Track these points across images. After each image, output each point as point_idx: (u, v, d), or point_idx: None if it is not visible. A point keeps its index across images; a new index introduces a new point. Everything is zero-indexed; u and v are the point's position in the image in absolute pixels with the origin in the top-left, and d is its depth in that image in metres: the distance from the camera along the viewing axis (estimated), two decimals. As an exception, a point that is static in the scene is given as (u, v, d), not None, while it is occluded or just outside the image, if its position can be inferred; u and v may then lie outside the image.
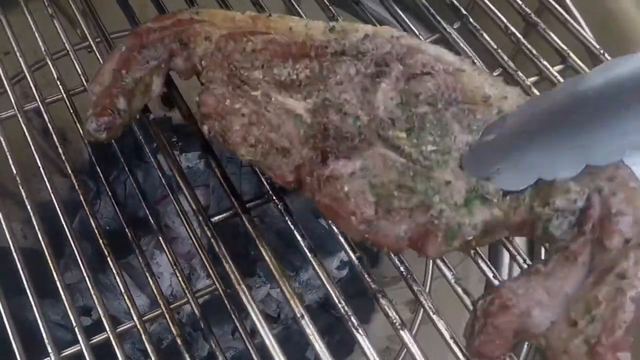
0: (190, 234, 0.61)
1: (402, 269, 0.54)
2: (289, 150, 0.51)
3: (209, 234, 0.58)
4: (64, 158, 0.69)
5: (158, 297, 0.61)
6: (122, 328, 0.61)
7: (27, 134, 0.70)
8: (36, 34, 0.76)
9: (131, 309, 0.61)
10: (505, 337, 0.43)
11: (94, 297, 0.62)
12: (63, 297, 0.62)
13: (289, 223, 0.57)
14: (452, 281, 0.52)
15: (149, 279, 0.63)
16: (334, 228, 0.55)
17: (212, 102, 0.56)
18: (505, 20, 0.69)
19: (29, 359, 0.59)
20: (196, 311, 0.61)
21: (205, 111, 0.56)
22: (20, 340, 0.60)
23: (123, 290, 0.62)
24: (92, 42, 0.75)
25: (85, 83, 0.72)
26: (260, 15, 0.60)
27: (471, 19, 0.70)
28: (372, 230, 0.48)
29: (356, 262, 0.54)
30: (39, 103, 0.72)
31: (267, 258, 0.56)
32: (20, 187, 0.67)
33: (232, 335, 1.00)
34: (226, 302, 0.59)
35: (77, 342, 0.60)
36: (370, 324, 1.02)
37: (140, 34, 0.61)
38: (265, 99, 0.54)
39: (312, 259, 0.55)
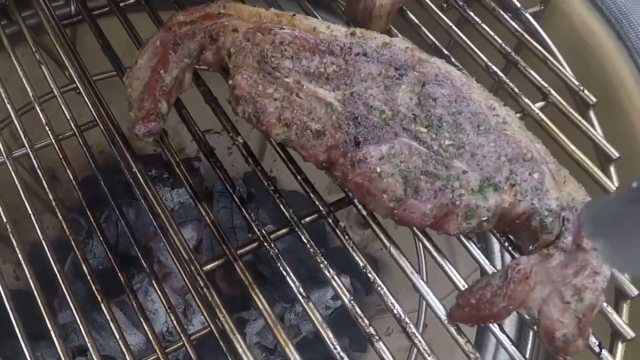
0: (183, 275, 0.62)
1: (395, 311, 0.56)
2: (322, 133, 0.59)
3: (201, 283, 0.59)
4: (54, 204, 0.70)
5: (153, 342, 0.62)
6: None
7: (16, 181, 0.71)
8: (23, 80, 0.77)
9: (126, 355, 0.62)
10: (513, 304, 0.53)
11: (88, 342, 0.62)
12: (56, 342, 0.62)
13: (281, 269, 0.58)
14: (445, 321, 0.56)
15: (144, 323, 0.64)
16: (322, 263, 0.58)
17: (245, 85, 0.62)
18: (485, 59, 0.74)
19: None
20: (192, 356, 0.62)
21: (239, 93, 0.62)
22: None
23: (118, 337, 0.62)
24: (78, 84, 0.76)
25: (73, 127, 0.74)
26: (284, 13, 0.68)
27: (453, 59, 0.72)
28: (400, 207, 0.56)
29: (349, 305, 0.56)
30: (28, 149, 0.74)
31: (261, 308, 0.57)
32: (11, 235, 0.68)
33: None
34: (222, 344, 0.60)
35: None
36: (367, 353, 1.06)
37: (172, 28, 0.66)
38: (297, 86, 0.61)
39: (305, 305, 0.57)
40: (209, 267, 0.60)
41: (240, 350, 0.55)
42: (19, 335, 0.63)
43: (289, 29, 0.66)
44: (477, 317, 0.53)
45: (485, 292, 0.52)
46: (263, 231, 0.60)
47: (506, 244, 0.60)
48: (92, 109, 0.76)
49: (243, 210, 0.61)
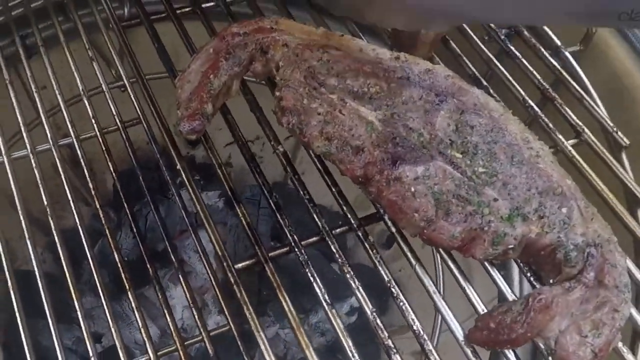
0: (209, 272, 0.66)
1: (414, 327, 0.59)
2: (362, 149, 0.62)
3: (232, 280, 0.63)
4: (93, 193, 0.75)
5: (174, 333, 0.66)
6: None
7: (60, 168, 0.77)
8: (75, 73, 0.83)
9: (147, 342, 0.65)
10: (531, 332, 0.55)
11: (112, 327, 0.66)
12: (82, 324, 0.66)
13: (309, 275, 0.61)
14: (462, 342, 0.58)
15: (167, 315, 0.67)
16: (349, 273, 0.61)
17: (291, 98, 0.66)
18: (522, 93, 0.77)
19: None
20: (210, 350, 0.65)
21: (285, 105, 0.66)
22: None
23: (141, 325, 0.66)
24: (126, 82, 0.83)
25: (118, 123, 0.79)
26: (333, 33, 0.72)
27: (491, 90, 0.76)
28: (430, 227, 0.59)
29: (371, 317, 0.59)
30: (74, 139, 0.79)
31: (287, 310, 0.60)
32: (49, 217, 0.73)
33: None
34: (239, 343, 0.63)
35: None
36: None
37: (225, 38, 0.70)
38: (341, 103, 0.65)
39: (329, 311, 0.60)
40: (240, 265, 0.64)
41: (262, 347, 0.58)
42: (48, 317, 0.66)
43: (337, 48, 0.70)
44: (494, 341, 0.55)
45: (505, 318, 0.55)
46: (295, 237, 0.63)
47: (528, 274, 0.63)
48: (137, 107, 0.81)
49: (278, 215, 0.65)
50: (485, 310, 0.59)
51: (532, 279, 0.62)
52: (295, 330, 0.58)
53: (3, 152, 0.78)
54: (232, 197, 0.67)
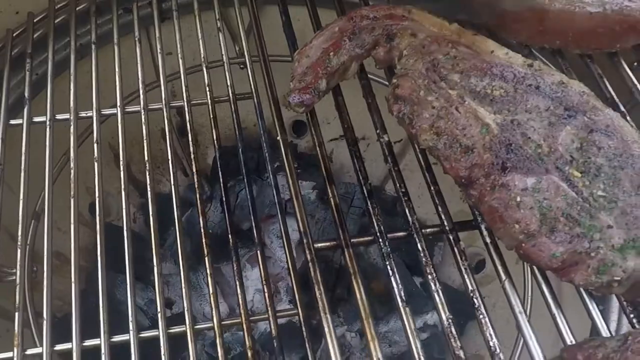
0: (288, 255, 0.68)
1: (491, 344, 0.57)
2: (471, 149, 0.62)
3: (309, 257, 0.64)
4: (192, 157, 0.80)
5: (241, 306, 0.69)
6: (199, 326, 0.70)
7: (167, 128, 0.82)
8: (200, 41, 0.90)
9: (213, 310, 0.69)
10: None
11: (184, 290, 0.70)
12: (157, 284, 0.71)
13: (388, 268, 0.62)
14: None
15: (238, 287, 0.71)
16: (431, 274, 0.60)
17: (408, 87, 0.67)
18: None
19: (111, 332, 0.68)
20: (273, 330, 0.68)
21: (400, 93, 0.67)
22: (107, 314, 0.69)
23: (212, 291, 0.70)
24: (247, 60, 0.88)
25: (230, 94, 0.84)
26: (466, 30, 0.72)
27: (628, 117, 0.73)
28: (529, 242, 0.57)
29: (446, 323, 0.59)
30: (185, 103, 0.85)
31: (358, 295, 0.61)
32: (147, 175, 0.78)
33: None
34: (303, 329, 0.65)
35: (156, 327, 0.68)
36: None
37: (354, 19, 0.73)
38: (459, 100, 0.65)
39: (402, 309, 0.59)
40: (320, 245, 0.65)
41: (327, 329, 0.59)
42: (127, 274, 0.71)
43: (467, 46, 0.70)
44: (579, 376, 0.52)
45: (597, 352, 0.52)
46: (382, 227, 0.63)
47: (631, 316, 0.59)
48: (251, 82, 0.85)
49: (369, 203, 0.65)
50: (574, 342, 0.56)
51: (634, 320, 0.58)
52: (364, 321, 0.58)
53: (118, 104, 0.84)
54: (327, 178, 0.68)
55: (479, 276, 1.10)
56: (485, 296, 1.05)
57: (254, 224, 0.77)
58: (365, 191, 0.66)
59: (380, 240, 0.63)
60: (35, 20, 0.95)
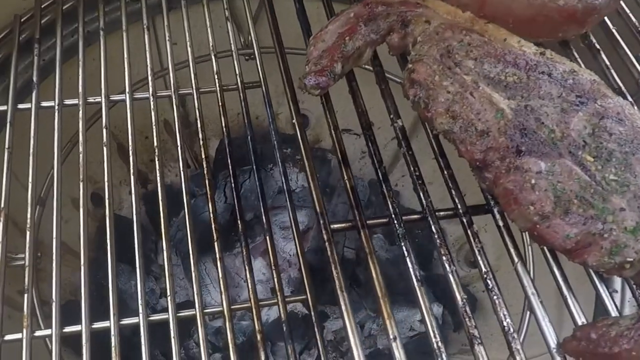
0: (296, 240, 0.70)
1: (505, 323, 0.59)
2: (486, 133, 0.63)
3: (325, 237, 0.65)
4: (201, 143, 0.81)
5: (250, 291, 0.71)
6: (209, 310, 0.71)
7: (175, 114, 0.84)
8: (208, 30, 0.91)
9: (223, 294, 0.70)
10: (637, 351, 0.53)
11: (193, 274, 0.72)
12: (166, 267, 0.73)
13: (403, 248, 0.62)
14: (554, 350, 0.58)
15: (247, 273, 0.72)
16: (446, 255, 0.61)
17: (423, 72, 0.68)
18: None
19: (121, 315, 0.70)
20: (282, 314, 0.70)
21: (415, 77, 0.68)
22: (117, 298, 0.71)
23: (221, 275, 0.71)
24: (256, 48, 0.89)
25: (239, 83, 0.86)
26: (479, 19, 0.74)
27: (636, 107, 0.72)
28: (544, 223, 0.59)
29: (460, 303, 0.60)
30: (194, 90, 0.86)
31: (374, 274, 0.62)
32: (157, 161, 0.79)
33: (300, 355, 1.08)
34: (312, 314, 0.66)
35: (166, 311, 0.70)
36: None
37: (369, 5, 0.74)
38: (474, 85, 0.66)
39: (417, 288, 0.60)
40: (335, 226, 0.66)
41: (343, 307, 0.60)
42: (137, 263, 0.73)
43: (480, 34, 0.71)
44: (592, 354, 0.54)
45: (610, 330, 0.53)
46: (397, 209, 0.65)
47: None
48: (260, 71, 0.86)
49: (384, 185, 0.66)
50: (585, 323, 0.57)
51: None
52: (380, 299, 0.59)
53: (127, 90, 0.85)
54: (342, 161, 0.69)
55: (475, 271, 1.11)
56: (483, 290, 1.06)
57: (263, 210, 0.78)
58: (380, 174, 0.67)
59: (395, 221, 0.65)
60: (42, 6, 0.95)
